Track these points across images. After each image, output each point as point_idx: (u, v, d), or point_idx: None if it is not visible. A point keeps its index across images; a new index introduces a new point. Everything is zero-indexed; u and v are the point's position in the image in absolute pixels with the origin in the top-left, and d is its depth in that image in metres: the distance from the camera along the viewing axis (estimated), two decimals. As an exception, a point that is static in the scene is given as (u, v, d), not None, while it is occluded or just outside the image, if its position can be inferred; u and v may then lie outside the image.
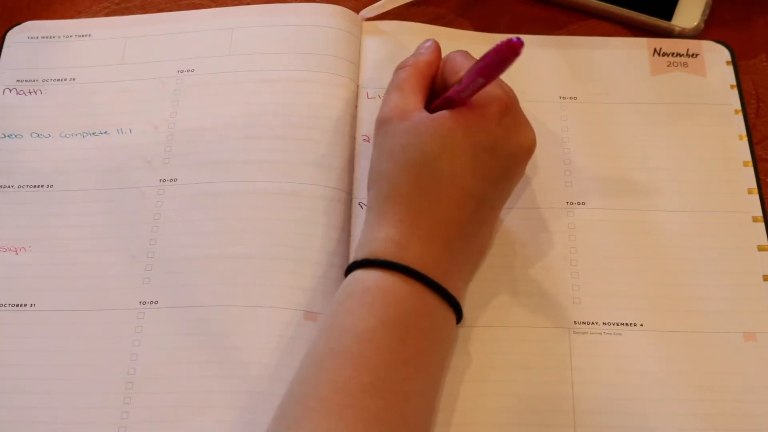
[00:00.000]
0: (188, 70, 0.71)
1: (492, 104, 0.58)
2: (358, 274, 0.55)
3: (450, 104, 0.59)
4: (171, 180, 0.66)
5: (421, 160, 0.56)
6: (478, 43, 0.73)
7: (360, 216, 0.64)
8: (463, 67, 0.60)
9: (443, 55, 0.64)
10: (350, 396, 0.50)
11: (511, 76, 0.71)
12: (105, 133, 0.69)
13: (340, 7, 0.73)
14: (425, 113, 0.59)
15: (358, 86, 0.70)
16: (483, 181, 0.57)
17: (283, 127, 0.67)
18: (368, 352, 0.52)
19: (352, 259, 0.56)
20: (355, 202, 0.65)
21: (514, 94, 0.61)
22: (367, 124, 0.68)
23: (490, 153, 0.57)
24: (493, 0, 0.76)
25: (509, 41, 0.52)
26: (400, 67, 0.63)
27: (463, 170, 0.57)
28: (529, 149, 0.60)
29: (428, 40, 0.65)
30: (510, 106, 0.59)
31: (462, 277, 0.59)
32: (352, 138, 0.68)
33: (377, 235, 0.56)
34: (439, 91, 0.62)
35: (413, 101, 0.60)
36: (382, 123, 0.60)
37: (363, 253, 0.56)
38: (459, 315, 0.57)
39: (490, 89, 0.58)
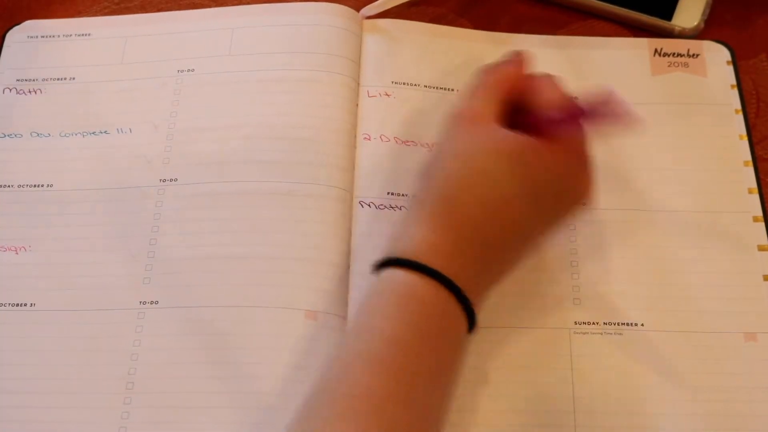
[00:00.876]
0: (188, 70, 0.71)
1: (581, 151, 0.58)
2: (391, 274, 0.54)
3: (527, 125, 0.58)
4: (171, 180, 0.66)
5: (485, 175, 0.56)
6: (479, 42, 0.73)
7: (360, 214, 0.64)
8: (548, 93, 0.59)
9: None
10: (379, 403, 0.49)
11: (512, 75, 0.72)
12: (105, 132, 0.69)
13: (341, 6, 0.73)
14: (498, 127, 0.57)
15: (358, 85, 0.70)
16: (531, 212, 0.56)
17: (283, 126, 0.67)
18: (398, 359, 0.51)
19: (387, 252, 0.55)
20: (355, 200, 0.65)
21: (584, 141, 0.59)
22: (367, 123, 0.68)
23: (544, 188, 0.56)
24: (494, 0, 0.75)
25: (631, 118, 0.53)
26: (486, 71, 0.62)
27: (518, 199, 0.55)
28: (582, 195, 0.59)
29: (515, 52, 0.63)
30: (578, 150, 0.58)
31: (484, 295, 0.58)
32: (353, 136, 0.68)
33: (419, 232, 0.55)
34: (513, 105, 0.60)
35: (491, 109, 0.58)
36: (457, 119, 0.59)
37: (399, 248, 0.55)
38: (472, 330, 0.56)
39: (580, 133, 0.57)
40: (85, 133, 0.69)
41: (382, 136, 0.68)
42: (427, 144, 0.67)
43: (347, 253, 0.63)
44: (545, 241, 0.62)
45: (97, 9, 0.75)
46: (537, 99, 0.59)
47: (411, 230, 0.55)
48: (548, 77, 0.61)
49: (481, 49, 0.73)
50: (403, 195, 0.65)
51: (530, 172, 0.56)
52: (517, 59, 0.62)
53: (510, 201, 0.55)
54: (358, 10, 0.73)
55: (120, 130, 0.69)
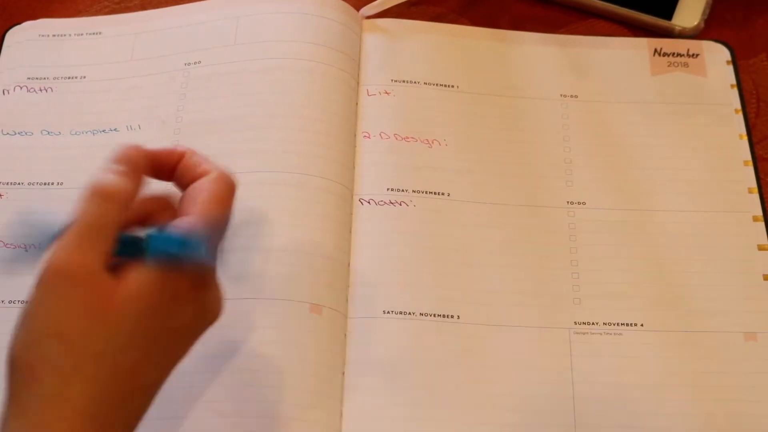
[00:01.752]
0: (195, 62, 0.71)
1: (184, 282, 0.47)
2: None
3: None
4: None
5: (102, 356, 0.45)
6: (479, 39, 0.73)
7: (360, 213, 0.65)
8: (196, 211, 0.49)
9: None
10: None
11: (513, 72, 0.72)
12: (115, 130, 0.69)
13: (343, 3, 0.73)
14: (114, 284, 0.46)
15: (358, 84, 0.70)
16: (159, 366, 0.48)
17: (286, 117, 0.67)
18: None
19: None
20: (355, 198, 0.65)
21: (215, 258, 0.50)
22: (367, 121, 0.68)
23: (174, 335, 0.48)
24: (494, -1, 0.76)
25: (188, 242, 0.45)
26: (98, 195, 0.48)
27: (144, 362, 0.47)
28: (212, 323, 0.50)
29: (129, 149, 0.50)
30: (207, 280, 0.49)
31: None
32: (353, 133, 0.68)
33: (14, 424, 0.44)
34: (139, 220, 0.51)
35: (105, 255, 0.46)
36: (59, 278, 0.45)
37: None
38: None
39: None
40: (95, 131, 0.69)
41: (382, 134, 0.68)
42: (427, 140, 0.67)
43: (348, 251, 0.63)
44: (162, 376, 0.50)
45: (97, 8, 0.75)
46: (186, 210, 0.49)
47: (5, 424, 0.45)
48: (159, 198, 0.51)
49: (481, 46, 0.73)
50: (402, 191, 0.65)
51: (151, 330, 0.46)
52: (129, 167, 0.50)
53: (132, 373, 0.46)
54: (358, 9, 0.73)
55: (129, 128, 0.69)
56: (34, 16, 0.74)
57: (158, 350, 0.48)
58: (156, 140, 0.67)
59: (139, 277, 0.46)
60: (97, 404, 0.45)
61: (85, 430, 0.44)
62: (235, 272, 0.61)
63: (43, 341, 0.45)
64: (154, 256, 0.46)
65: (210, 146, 0.66)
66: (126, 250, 0.46)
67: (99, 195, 0.47)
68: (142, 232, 0.47)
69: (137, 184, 0.49)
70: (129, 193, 0.48)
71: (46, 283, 0.45)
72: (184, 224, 0.47)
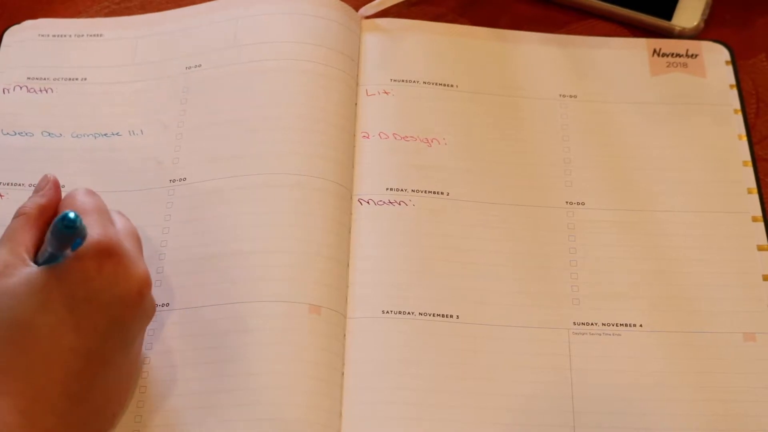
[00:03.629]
0: (195, 66, 0.71)
1: (89, 252, 0.53)
2: None
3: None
4: (180, 179, 0.66)
5: (16, 322, 0.52)
6: (479, 38, 0.73)
7: (359, 213, 0.65)
8: (74, 207, 0.56)
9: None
10: None
11: (513, 72, 0.72)
12: (117, 134, 0.68)
13: (341, 3, 0.73)
14: (29, 269, 0.54)
15: (357, 83, 0.70)
16: (86, 335, 0.53)
17: (286, 118, 0.67)
18: None
19: None
20: (354, 198, 0.65)
21: (118, 235, 0.56)
22: (366, 121, 0.68)
23: (89, 304, 0.53)
24: (493, -1, 0.76)
25: (63, 216, 0.51)
26: (14, 216, 0.58)
27: (62, 327, 0.52)
28: (138, 293, 0.55)
29: (44, 177, 0.61)
30: (110, 251, 0.54)
31: None
32: (352, 134, 0.68)
33: None
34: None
35: (19, 254, 0.55)
36: None
37: None
38: None
39: (89, 233, 0.53)
40: (97, 135, 0.69)
41: (381, 134, 0.68)
42: (426, 139, 0.68)
43: (347, 251, 0.63)
44: (133, 358, 0.57)
45: (97, 9, 0.75)
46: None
47: None
48: (81, 192, 0.59)
49: (481, 45, 0.73)
50: (402, 190, 0.65)
51: (51, 293, 0.53)
52: (46, 189, 0.60)
53: (51, 336, 0.52)
54: (357, 9, 0.73)
55: (132, 132, 0.68)
56: (34, 16, 0.74)
57: (72, 317, 0.53)
58: (158, 145, 0.67)
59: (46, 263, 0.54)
60: (24, 365, 0.52)
61: (20, 389, 0.51)
62: (233, 274, 0.62)
63: None
64: (52, 248, 0.53)
65: (210, 150, 0.67)
66: (43, 260, 0.55)
67: (14, 216, 0.58)
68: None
69: (45, 202, 0.59)
70: (37, 208, 0.58)
71: None
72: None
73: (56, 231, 0.52)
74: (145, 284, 0.55)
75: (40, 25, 0.74)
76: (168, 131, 0.68)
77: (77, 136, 0.69)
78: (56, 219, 0.52)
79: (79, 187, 0.59)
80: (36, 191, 0.60)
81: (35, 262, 0.55)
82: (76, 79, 0.71)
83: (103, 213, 0.57)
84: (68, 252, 0.53)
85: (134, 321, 0.56)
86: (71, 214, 0.51)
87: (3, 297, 0.53)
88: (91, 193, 0.59)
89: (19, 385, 0.52)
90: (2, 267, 0.54)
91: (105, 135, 0.69)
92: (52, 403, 0.52)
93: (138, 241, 0.59)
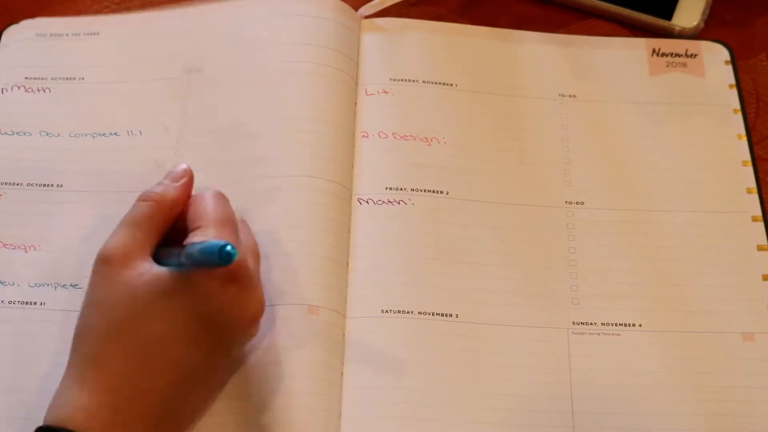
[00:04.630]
0: (195, 68, 0.70)
1: (218, 271, 0.52)
2: None
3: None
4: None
5: (130, 322, 0.52)
6: (479, 38, 0.73)
7: (359, 212, 0.65)
8: (207, 215, 0.55)
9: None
10: None
11: (512, 71, 0.72)
12: (115, 134, 0.68)
13: (341, 3, 0.73)
14: (149, 265, 0.54)
15: (357, 83, 0.70)
16: (194, 351, 0.53)
17: (285, 120, 0.67)
18: None
19: (44, 419, 0.52)
20: (354, 198, 0.65)
21: (246, 258, 0.55)
22: (366, 121, 0.68)
23: (205, 322, 0.53)
24: (493, -1, 0.76)
25: (223, 247, 0.50)
26: (142, 199, 0.57)
27: (174, 338, 0.53)
28: (252, 321, 0.55)
29: (181, 166, 0.59)
30: (238, 275, 0.53)
31: None
32: (352, 134, 0.68)
33: (68, 398, 0.52)
34: (180, 232, 0.57)
35: (143, 246, 0.55)
36: (102, 262, 0.54)
37: (51, 417, 0.51)
38: None
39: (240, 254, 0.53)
40: (95, 135, 0.69)
41: (381, 133, 0.68)
42: (426, 138, 0.68)
43: (346, 251, 0.63)
44: (224, 377, 0.57)
45: (97, 9, 0.75)
46: (197, 223, 0.56)
47: (64, 395, 0.52)
48: (211, 195, 0.57)
49: (480, 44, 0.73)
50: (401, 189, 0.65)
51: (171, 301, 0.53)
52: (180, 182, 0.58)
53: (160, 344, 0.52)
54: (356, 9, 0.73)
55: (130, 132, 0.68)
56: (34, 16, 0.74)
57: (185, 330, 0.53)
58: (157, 146, 0.67)
59: (170, 267, 0.53)
60: (129, 367, 0.52)
61: (119, 388, 0.51)
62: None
63: (85, 311, 0.54)
64: (191, 263, 0.52)
65: (211, 154, 0.67)
66: (168, 262, 0.54)
67: (142, 198, 0.57)
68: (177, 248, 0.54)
69: (179, 195, 0.58)
70: (170, 200, 0.57)
71: (94, 269, 0.55)
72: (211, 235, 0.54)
73: (208, 258, 0.51)
74: (260, 311, 0.56)
75: (38, 24, 0.74)
76: (168, 134, 0.68)
77: (75, 136, 0.69)
78: (214, 245, 0.50)
79: (208, 189, 0.58)
80: (170, 177, 0.58)
81: (155, 257, 0.55)
82: (74, 78, 0.71)
83: (234, 226, 0.56)
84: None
85: (241, 342, 0.56)
86: (232, 249, 0.50)
87: (121, 290, 0.53)
88: (221, 198, 0.57)
89: (120, 384, 0.52)
90: (123, 255, 0.54)
91: (103, 135, 0.68)
92: (146, 409, 0.52)
93: (258, 257, 0.58)
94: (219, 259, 0.50)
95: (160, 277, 0.53)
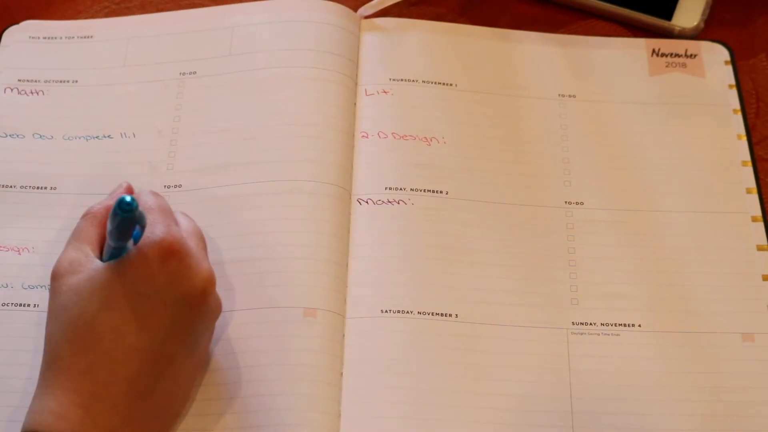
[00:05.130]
0: (190, 73, 0.70)
1: (152, 249, 0.53)
2: None
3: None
4: (176, 186, 0.66)
5: (80, 319, 0.53)
6: (478, 37, 0.73)
7: (358, 213, 0.65)
8: (142, 205, 0.56)
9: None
10: None
11: (512, 71, 0.72)
12: (108, 137, 0.68)
13: (339, 5, 0.73)
14: (93, 265, 0.55)
15: (356, 84, 0.70)
16: (149, 334, 0.53)
17: (282, 125, 0.67)
18: None
19: (21, 427, 0.53)
20: (353, 198, 0.65)
21: (182, 233, 0.56)
22: (365, 121, 0.68)
23: (152, 302, 0.53)
24: (493, -1, 0.76)
25: (119, 200, 0.51)
26: (83, 215, 0.59)
27: (125, 324, 0.53)
28: (203, 292, 0.55)
29: (120, 184, 0.63)
30: (174, 248, 0.54)
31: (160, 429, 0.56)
32: (351, 135, 0.68)
33: (37, 405, 0.52)
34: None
35: (86, 253, 0.56)
36: (53, 278, 0.56)
37: (26, 423, 0.52)
38: None
39: (152, 231, 0.54)
40: (88, 137, 0.69)
41: (380, 133, 0.68)
42: (425, 138, 0.68)
43: (346, 252, 0.63)
44: (196, 357, 0.57)
45: (97, 9, 0.75)
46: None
47: (35, 401, 0.53)
48: (147, 194, 0.58)
49: (480, 44, 0.73)
50: (401, 189, 0.65)
51: (114, 289, 0.53)
52: (116, 191, 0.62)
53: (114, 334, 0.53)
54: (355, 9, 0.73)
55: (124, 135, 0.68)
56: (33, 16, 0.74)
57: (134, 316, 0.53)
58: (151, 149, 0.67)
59: (110, 260, 0.55)
60: (87, 363, 0.52)
61: (82, 385, 0.52)
62: (230, 281, 0.62)
63: (46, 324, 0.55)
64: (111, 239, 0.54)
65: (207, 158, 0.67)
66: (106, 256, 0.56)
67: (81, 217, 0.59)
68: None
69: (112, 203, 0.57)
70: (105, 207, 0.59)
71: (49, 289, 0.56)
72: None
73: (114, 216, 0.52)
74: (210, 282, 0.56)
75: (31, 27, 0.74)
76: (162, 137, 0.68)
77: (68, 138, 0.68)
78: (114, 205, 0.52)
79: (143, 189, 0.60)
80: (105, 199, 0.61)
81: (100, 259, 0.56)
82: (68, 81, 0.71)
83: (167, 212, 0.57)
84: (130, 245, 0.53)
85: (198, 320, 0.56)
86: (127, 198, 0.51)
87: (68, 294, 0.54)
88: (154, 194, 0.59)
89: (82, 382, 0.52)
90: (68, 264, 0.55)
91: (96, 137, 0.68)
92: (114, 401, 0.52)
93: (202, 240, 0.59)
94: (121, 212, 0.52)
95: (99, 270, 0.54)
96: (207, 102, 0.69)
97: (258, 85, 0.69)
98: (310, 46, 0.70)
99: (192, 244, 0.56)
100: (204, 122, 0.68)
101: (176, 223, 0.57)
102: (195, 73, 0.70)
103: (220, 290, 0.59)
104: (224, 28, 0.72)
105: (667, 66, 0.72)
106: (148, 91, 0.70)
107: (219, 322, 0.59)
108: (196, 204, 0.65)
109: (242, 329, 0.60)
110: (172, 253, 0.54)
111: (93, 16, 0.75)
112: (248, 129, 0.67)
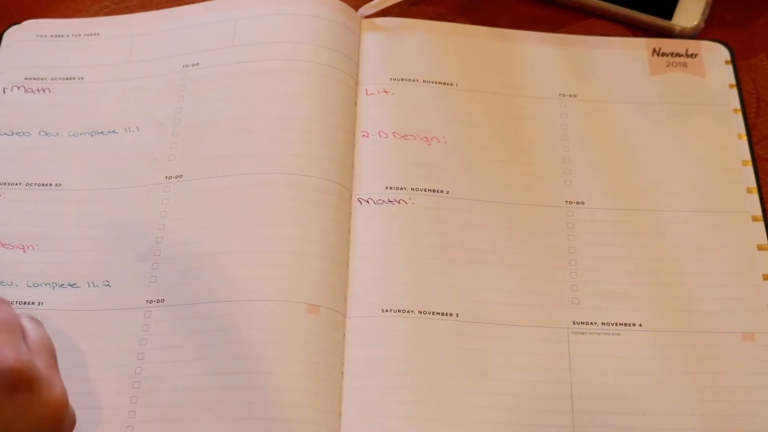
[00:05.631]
0: (193, 64, 0.71)
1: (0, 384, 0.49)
2: None
3: None
4: (176, 176, 0.66)
5: None
6: (479, 37, 0.73)
7: (359, 212, 0.65)
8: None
9: None
10: None
11: (513, 71, 0.72)
12: (113, 132, 0.69)
13: (341, 3, 0.73)
14: None
15: (357, 83, 0.70)
16: None
17: (284, 119, 0.67)
18: None
19: None
20: (354, 198, 0.65)
21: (31, 354, 0.51)
22: (366, 120, 0.68)
23: None
24: (494, -1, 0.76)
25: None
26: None
27: None
28: (54, 418, 0.51)
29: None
30: (23, 378, 0.49)
31: None
32: (352, 133, 0.68)
33: None
34: None
35: None
36: None
37: None
38: None
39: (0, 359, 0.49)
40: (93, 133, 0.69)
41: (381, 132, 0.68)
42: (426, 137, 0.68)
43: (346, 251, 0.63)
44: None
45: (97, 8, 0.75)
46: None
47: None
48: None
49: (481, 44, 0.73)
50: (401, 188, 0.65)
51: None
52: None
53: None
54: (356, 9, 0.73)
55: (128, 129, 0.69)
56: (34, 16, 0.74)
57: None
58: (153, 142, 0.68)
59: None
60: None
61: None
62: (229, 273, 0.62)
63: None
64: None
65: (208, 149, 0.67)
66: None
67: None
68: None
69: None
70: None
71: None
72: None
73: None
74: (62, 407, 0.51)
75: (36, 25, 0.74)
76: (164, 128, 0.68)
77: (74, 135, 0.69)
78: None
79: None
80: None
81: None
82: (74, 78, 0.71)
83: (13, 328, 0.52)
84: None
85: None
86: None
87: None
88: (0, 303, 0.53)
89: None
90: None
91: (101, 133, 0.69)
92: None
93: (51, 352, 0.54)
94: None
95: None
96: (208, 93, 0.69)
97: (260, 77, 0.69)
98: (313, 41, 0.70)
99: (41, 363, 0.51)
100: (205, 113, 0.68)
101: (24, 338, 0.52)
102: (198, 64, 0.71)
103: (220, 279, 0.59)
104: (228, 19, 0.72)
105: (667, 66, 0.72)
106: (152, 85, 0.70)
107: (219, 311, 0.59)
108: (197, 194, 0.65)
109: (241, 319, 0.60)
110: (21, 383, 0.49)
111: (93, 16, 0.75)
112: (250, 120, 0.67)
